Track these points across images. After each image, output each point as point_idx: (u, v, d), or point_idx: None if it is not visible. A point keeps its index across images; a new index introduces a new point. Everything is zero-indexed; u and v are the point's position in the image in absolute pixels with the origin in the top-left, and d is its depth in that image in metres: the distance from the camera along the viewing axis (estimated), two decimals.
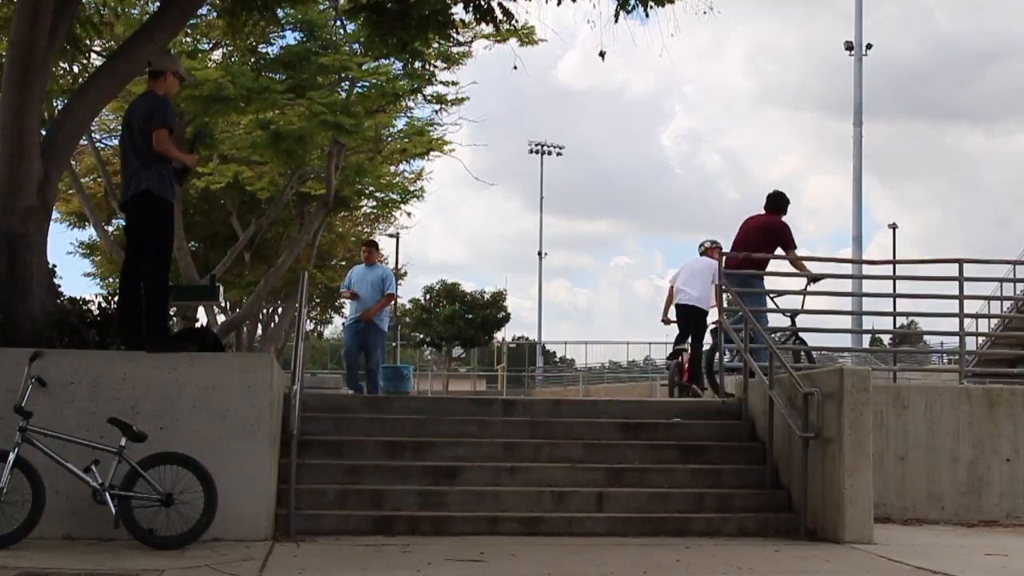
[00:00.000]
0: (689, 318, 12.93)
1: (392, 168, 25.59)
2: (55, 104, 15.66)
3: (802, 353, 11.84)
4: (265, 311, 34.13)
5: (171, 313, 16.72)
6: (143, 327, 8.04)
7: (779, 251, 11.81)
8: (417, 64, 18.70)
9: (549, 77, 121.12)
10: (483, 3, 10.60)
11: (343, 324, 14.54)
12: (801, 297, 11.68)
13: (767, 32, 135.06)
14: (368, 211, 31.15)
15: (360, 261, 14.46)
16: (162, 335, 8.09)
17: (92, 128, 20.73)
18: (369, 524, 8.19)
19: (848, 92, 32.39)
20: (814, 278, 11.64)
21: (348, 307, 14.24)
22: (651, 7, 10.68)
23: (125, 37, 12.56)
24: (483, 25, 11.43)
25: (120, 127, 8.81)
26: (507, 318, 51.57)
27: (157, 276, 8.14)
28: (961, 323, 11.44)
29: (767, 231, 11.82)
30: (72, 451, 7.23)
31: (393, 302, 14.93)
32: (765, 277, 11.89)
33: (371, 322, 13.59)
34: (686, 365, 13.01)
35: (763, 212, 12.14)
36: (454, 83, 21.73)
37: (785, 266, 11.96)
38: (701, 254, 13.30)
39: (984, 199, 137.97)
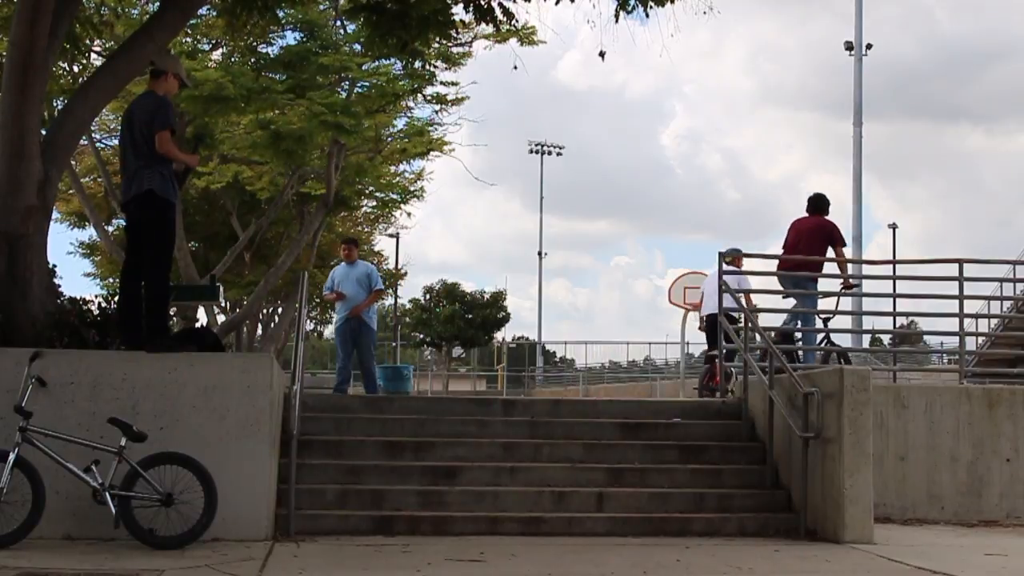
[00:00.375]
0: (719, 325, 13.06)
1: (392, 168, 25.58)
2: (55, 104, 15.65)
3: (836, 355, 12.02)
4: (265, 311, 34.13)
5: (171, 313, 16.69)
6: (143, 327, 8.04)
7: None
8: (417, 64, 18.70)
9: (549, 77, 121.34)
10: (483, 3, 10.59)
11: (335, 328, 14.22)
12: (835, 300, 12.08)
13: (767, 32, 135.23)
14: (368, 211, 31.15)
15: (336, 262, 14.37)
16: (162, 335, 8.09)
17: (92, 128, 20.71)
18: (369, 524, 8.19)
19: (848, 92, 32.40)
20: (849, 284, 11.95)
21: (337, 308, 13.95)
22: (651, 7, 10.67)
23: (125, 37, 12.54)
24: (483, 25, 11.43)
25: (120, 127, 8.80)
26: (507, 318, 51.61)
27: (158, 276, 8.13)
28: (961, 323, 11.45)
29: (820, 232, 12.15)
30: (72, 451, 7.23)
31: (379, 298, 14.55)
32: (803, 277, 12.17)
33: (361, 319, 13.39)
34: (716, 369, 13.18)
35: (806, 215, 12.44)
36: (454, 83, 21.77)
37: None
38: (728, 263, 13.35)
39: (984, 199, 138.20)
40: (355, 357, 13.57)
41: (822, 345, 12.19)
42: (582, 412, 10.30)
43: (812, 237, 12.12)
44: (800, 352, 12.02)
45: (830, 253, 12.18)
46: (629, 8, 10.76)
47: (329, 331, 51.07)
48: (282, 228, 28.30)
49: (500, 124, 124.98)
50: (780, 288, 12.36)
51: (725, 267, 12.70)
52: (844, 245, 12.24)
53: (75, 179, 22.86)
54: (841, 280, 12.10)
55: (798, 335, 12.21)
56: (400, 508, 8.46)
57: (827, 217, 12.41)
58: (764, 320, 13.12)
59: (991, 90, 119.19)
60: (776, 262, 12.42)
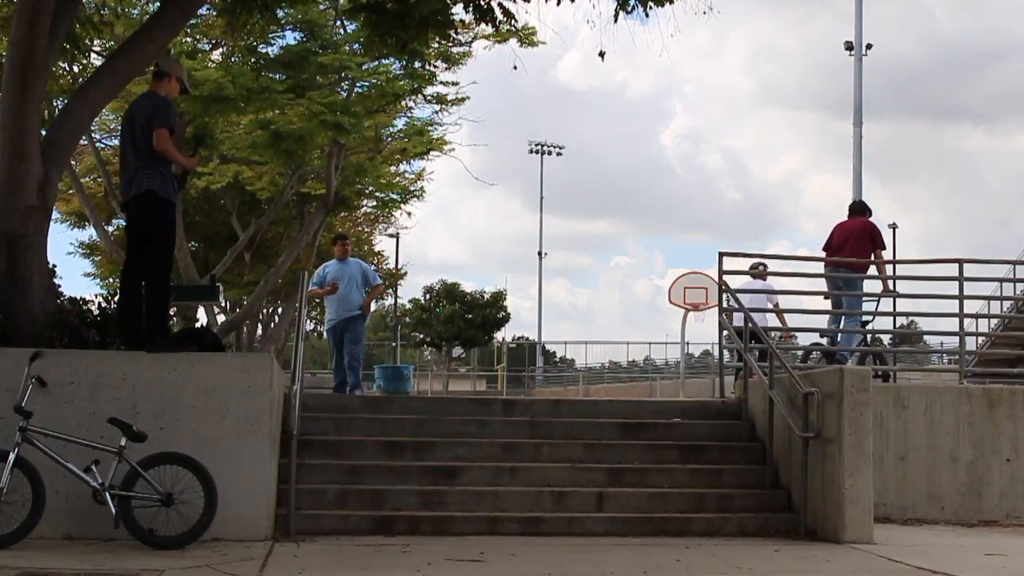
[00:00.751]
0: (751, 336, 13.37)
1: (392, 168, 25.58)
2: (55, 104, 15.65)
3: (873, 357, 12.39)
4: (265, 311, 34.11)
5: (171, 313, 16.65)
6: (143, 327, 8.04)
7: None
8: (417, 64, 18.71)
9: (549, 77, 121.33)
10: (483, 3, 10.58)
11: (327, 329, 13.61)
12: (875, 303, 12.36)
13: (767, 32, 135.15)
14: (368, 211, 31.14)
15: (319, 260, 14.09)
16: (162, 335, 8.09)
17: (92, 128, 20.70)
18: (369, 524, 8.20)
19: (848, 92, 32.36)
20: (887, 288, 12.15)
21: (328, 308, 13.49)
22: (651, 7, 10.66)
23: (125, 37, 12.53)
24: (483, 25, 11.42)
25: (120, 127, 8.80)
26: (507, 318, 51.56)
27: (159, 276, 8.14)
28: (961, 323, 11.46)
29: (867, 232, 12.53)
30: (72, 451, 7.24)
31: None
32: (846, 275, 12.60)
33: (357, 315, 13.13)
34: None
35: (847, 218, 12.89)
36: (454, 83, 21.77)
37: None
38: (754, 277, 13.79)
39: (984, 199, 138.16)
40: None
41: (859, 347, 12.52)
42: (582, 412, 10.30)
43: (860, 236, 12.47)
44: (838, 353, 12.31)
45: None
46: (629, 8, 10.76)
47: None
48: (282, 228, 28.29)
49: (500, 124, 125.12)
50: (790, 292, 12.86)
51: (755, 279, 13.52)
52: (884, 248, 12.57)
53: (75, 179, 22.85)
54: (882, 284, 12.37)
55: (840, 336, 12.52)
56: (400, 508, 8.47)
57: (870, 219, 12.85)
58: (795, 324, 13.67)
59: (991, 90, 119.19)
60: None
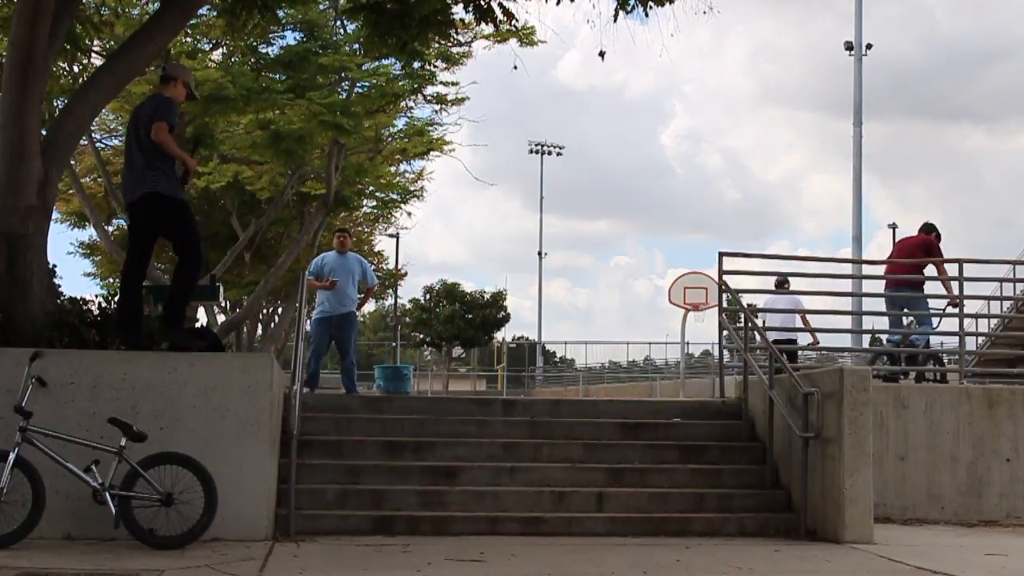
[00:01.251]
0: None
1: (392, 168, 25.59)
2: (55, 104, 15.65)
3: (932, 359, 12.88)
4: (265, 311, 34.13)
5: None
6: (163, 315, 8.17)
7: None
8: (416, 64, 18.73)
9: (549, 77, 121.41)
10: (483, 3, 10.58)
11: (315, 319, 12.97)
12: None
13: (767, 32, 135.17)
14: (368, 211, 31.15)
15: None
16: (178, 327, 8.13)
17: (92, 128, 20.69)
18: (369, 524, 8.20)
19: (848, 92, 32.37)
20: (953, 301, 12.10)
21: (320, 299, 12.94)
22: (651, 7, 10.67)
23: (125, 37, 12.54)
24: (483, 25, 11.43)
25: (122, 127, 8.82)
26: (507, 318, 51.57)
27: (191, 273, 8.21)
28: (961, 323, 11.47)
29: (922, 247, 12.80)
30: (72, 451, 7.23)
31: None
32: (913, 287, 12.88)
33: (351, 312, 12.92)
34: None
35: (912, 235, 13.37)
36: (454, 83, 21.78)
37: None
38: (779, 288, 14.14)
39: (984, 199, 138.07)
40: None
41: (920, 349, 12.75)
42: (582, 412, 10.30)
43: (913, 252, 12.71)
44: (903, 356, 12.57)
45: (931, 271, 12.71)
46: (629, 8, 10.77)
47: None
48: (282, 228, 28.31)
49: (500, 124, 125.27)
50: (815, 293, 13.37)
51: (783, 291, 14.03)
52: (943, 260, 12.64)
53: (75, 179, 22.84)
54: (944, 288, 12.42)
55: (912, 338, 12.76)
56: (400, 508, 8.47)
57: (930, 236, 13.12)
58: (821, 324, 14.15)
59: (991, 90, 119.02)
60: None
